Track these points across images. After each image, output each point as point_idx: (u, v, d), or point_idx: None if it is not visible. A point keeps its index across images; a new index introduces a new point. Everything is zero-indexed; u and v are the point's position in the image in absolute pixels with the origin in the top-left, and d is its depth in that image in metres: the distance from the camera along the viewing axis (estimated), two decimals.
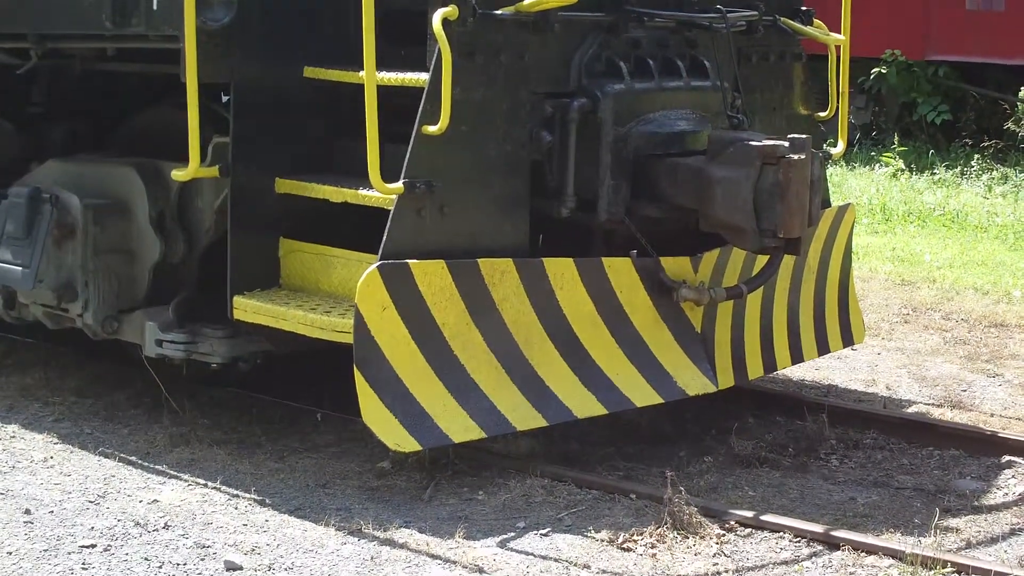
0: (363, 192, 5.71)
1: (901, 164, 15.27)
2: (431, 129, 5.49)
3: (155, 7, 5.87)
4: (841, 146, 7.49)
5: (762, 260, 6.35)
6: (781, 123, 7.03)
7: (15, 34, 6.73)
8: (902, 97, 16.52)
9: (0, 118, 7.59)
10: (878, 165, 15.45)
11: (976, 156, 15.42)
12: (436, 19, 5.46)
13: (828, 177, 8.99)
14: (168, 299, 6.45)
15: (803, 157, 5.89)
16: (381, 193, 5.50)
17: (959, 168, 15.12)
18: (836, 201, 8.10)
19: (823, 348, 7.25)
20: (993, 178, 14.68)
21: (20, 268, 6.62)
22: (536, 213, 6.04)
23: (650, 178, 6.15)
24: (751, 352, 6.71)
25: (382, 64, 5.61)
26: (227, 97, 6.27)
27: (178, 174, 5.88)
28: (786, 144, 5.90)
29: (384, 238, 5.50)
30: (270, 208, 6.05)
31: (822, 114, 7.36)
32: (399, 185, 5.50)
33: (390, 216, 5.52)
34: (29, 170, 7.16)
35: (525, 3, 5.73)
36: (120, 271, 6.58)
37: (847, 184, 14.52)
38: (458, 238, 5.72)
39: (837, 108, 7.39)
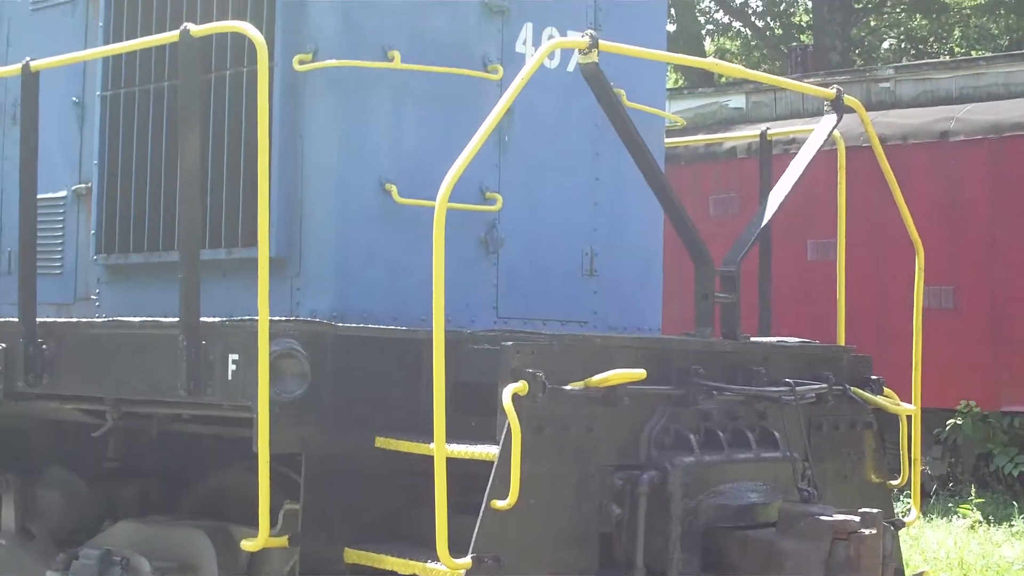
0: (431, 566, 5.67)
1: (979, 516, 15.06)
2: (500, 504, 5.49)
3: (230, 378, 5.97)
4: (914, 514, 7.43)
5: None
6: (853, 492, 6.98)
7: (92, 396, 6.88)
8: (978, 448, 16.43)
9: (74, 475, 7.70)
10: (955, 517, 15.25)
11: None
12: (506, 395, 5.52)
13: (905, 530, 8.89)
14: None
15: (875, 532, 5.84)
16: (449, 568, 5.46)
17: None
18: (914, 558, 7.99)
19: None
20: None
21: None
22: None
23: (720, 551, 6.09)
24: None
25: (452, 435, 5.65)
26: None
27: (248, 544, 5.89)
28: (857, 519, 5.85)
29: None
30: None
31: (894, 482, 7.32)
32: (467, 560, 5.47)
33: None
34: (102, 528, 7.20)
35: (594, 379, 5.79)
36: None
37: (924, 537, 14.30)
38: None
39: (910, 475, 7.36)
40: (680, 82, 31.54)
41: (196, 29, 6.18)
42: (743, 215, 15.72)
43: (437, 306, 5.48)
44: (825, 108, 7.30)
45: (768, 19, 34.62)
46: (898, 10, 34.25)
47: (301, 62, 6.63)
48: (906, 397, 7.46)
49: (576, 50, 6.31)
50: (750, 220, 7.06)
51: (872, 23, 34.47)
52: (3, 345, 6.93)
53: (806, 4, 34.21)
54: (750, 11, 34.47)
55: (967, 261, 16.41)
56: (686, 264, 6.64)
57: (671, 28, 30.94)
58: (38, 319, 6.85)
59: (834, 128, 7.28)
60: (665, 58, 7.38)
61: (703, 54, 32.46)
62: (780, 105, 19.07)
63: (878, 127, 15.22)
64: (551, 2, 7.38)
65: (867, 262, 16.26)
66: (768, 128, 8.47)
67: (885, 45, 35.87)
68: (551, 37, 7.31)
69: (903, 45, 35.16)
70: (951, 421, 16.41)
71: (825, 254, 16.49)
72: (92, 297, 7.62)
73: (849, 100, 7.33)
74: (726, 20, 35.41)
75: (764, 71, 32.49)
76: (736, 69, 7.08)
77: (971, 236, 16.43)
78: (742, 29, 35.42)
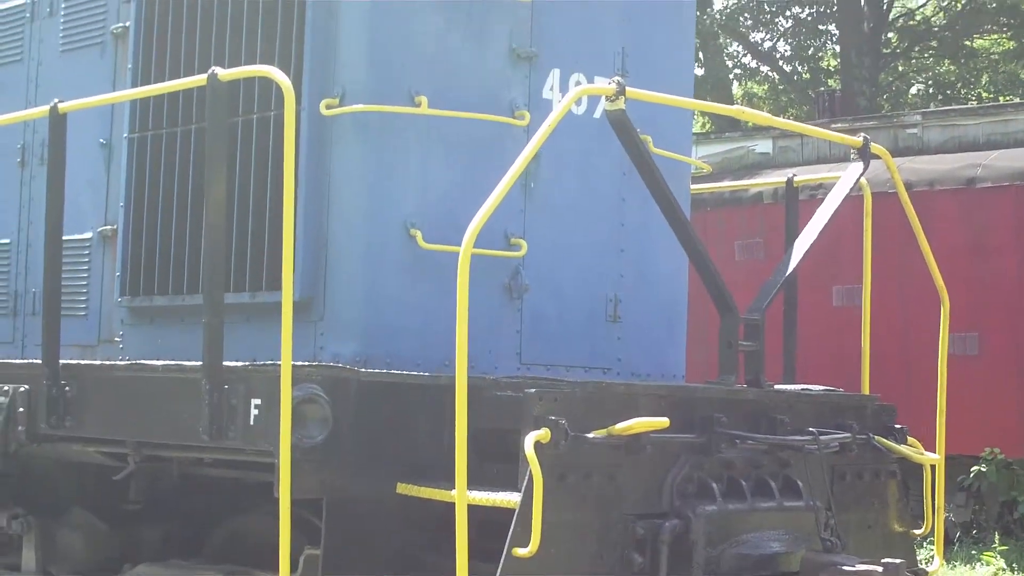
0: None
1: (1002, 563, 14.96)
2: (521, 552, 5.46)
3: (252, 423, 5.97)
4: (937, 562, 7.38)
5: None
6: (876, 542, 6.94)
7: (115, 439, 6.88)
8: (1002, 495, 16.32)
9: (95, 517, 7.69)
10: (979, 564, 15.15)
11: None
12: (528, 443, 5.50)
13: None
14: None
15: None
16: None
17: None
18: None
19: None
20: None
21: None
22: None
23: None
24: None
25: (473, 482, 5.63)
26: None
27: None
28: (879, 569, 5.82)
29: None
30: None
31: (918, 531, 7.27)
32: None
33: None
34: (122, 571, 7.19)
35: (617, 427, 5.76)
36: None
37: None
38: None
39: (933, 524, 7.32)
40: (707, 126, 31.57)
41: (224, 73, 6.21)
42: (769, 260, 15.67)
43: (460, 352, 5.47)
44: (852, 156, 7.28)
45: (796, 63, 34.62)
46: (926, 55, 34.24)
47: (328, 107, 6.65)
48: (931, 442, 7.42)
49: (603, 96, 6.30)
50: (776, 267, 7.04)
51: (900, 68, 34.45)
52: (26, 387, 6.95)
53: (834, 49, 34.21)
54: (778, 55, 34.48)
55: (993, 308, 16.34)
56: (712, 308, 6.62)
57: (699, 72, 30.96)
58: (61, 361, 6.87)
59: (860, 176, 7.26)
60: (692, 105, 7.38)
61: (730, 98, 32.47)
62: (807, 150, 19.05)
63: (905, 173, 15.19)
64: (578, 48, 7.39)
65: (893, 308, 16.20)
66: (794, 175, 8.46)
67: (913, 90, 35.84)
68: (578, 83, 7.32)
69: (931, 90, 35.13)
70: (975, 468, 16.32)
71: (851, 300, 16.45)
72: (116, 339, 7.63)
73: (876, 148, 7.31)
74: (754, 64, 35.41)
75: (791, 116, 32.52)
76: (763, 117, 7.08)
77: (997, 283, 16.36)
78: (770, 73, 35.43)
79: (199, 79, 6.37)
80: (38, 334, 7.13)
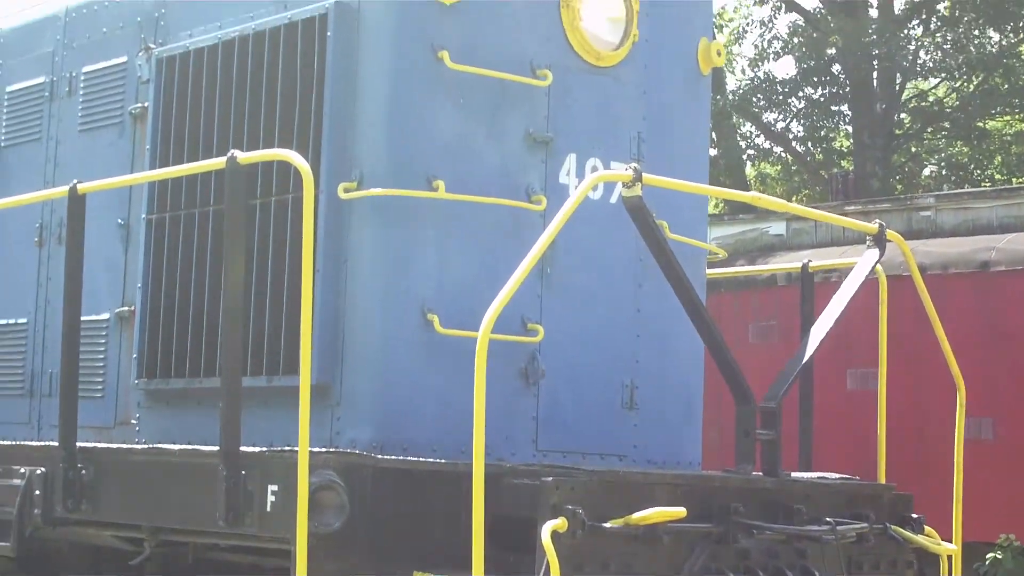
0: None
1: None
2: None
3: (269, 509, 5.96)
4: None
5: None
6: None
7: (130, 524, 6.86)
8: None
9: None
10: None
11: None
12: (545, 533, 5.47)
13: None
14: None
15: None
16: None
17: None
18: None
19: None
20: None
21: None
22: None
23: None
24: None
25: (490, 570, 5.59)
26: None
27: None
28: None
29: None
30: None
31: None
32: None
33: None
34: None
35: (634, 517, 5.74)
36: None
37: None
38: None
39: None
40: (721, 208, 31.63)
41: (243, 157, 6.24)
42: (783, 343, 15.67)
43: (477, 439, 5.47)
44: (868, 243, 7.28)
45: (809, 144, 34.70)
46: (938, 137, 34.32)
47: (346, 190, 6.67)
48: (946, 525, 7.37)
49: (619, 182, 6.31)
50: (793, 354, 7.01)
51: (913, 149, 34.52)
52: (43, 469, 6.94)
53: (847, 130, 34.30)
54: (791, 136, 34.56)
55: (1008, 392, 16.28)
56: (724, 388, 6.59)
57: (712, 152, 31.05)
58: (78, 443, 6.86)
59: (876, 263, 7.26)
60: (708, 191, 7.40)
61: (744, 179, 32.52)
62: (820, 232, 19.06)
63: (918, 256, 15.15)
64: (594, 133, 7.40)
65: (907, 392, 16.15)
66: (809, 260, 8.45)
67: (926, 171, 35.90)
68: (594, 168, 7.33)
69: (943, 172, 35.18)
70: (991, 555, 16.21)
71: (865, 383, 16.41)
72: (132, 421, 7.62)
73: (891, 235, 7.31)
74: (767, 145, 35.47)
75: (804, 197, 32.55)
76: (779, 203, 7.09)
77: (1012, 367, 16.30)
78: (783, 154, 35.50)
79: (218, 162, 6.39)
80: (54, 415, 7.13)
